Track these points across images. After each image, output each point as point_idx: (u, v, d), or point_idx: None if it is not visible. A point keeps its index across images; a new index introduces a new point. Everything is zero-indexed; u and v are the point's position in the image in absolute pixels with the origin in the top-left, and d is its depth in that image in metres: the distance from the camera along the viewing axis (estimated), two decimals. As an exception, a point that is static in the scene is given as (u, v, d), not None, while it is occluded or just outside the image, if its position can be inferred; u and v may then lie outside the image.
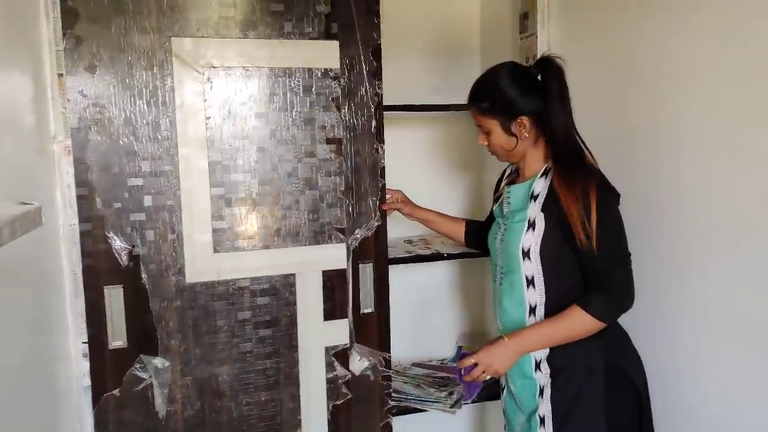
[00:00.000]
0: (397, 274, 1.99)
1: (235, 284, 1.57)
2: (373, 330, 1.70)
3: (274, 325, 1.62)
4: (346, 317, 1.67)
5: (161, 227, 1.50)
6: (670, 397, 1.41)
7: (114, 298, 1.47)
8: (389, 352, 1.71)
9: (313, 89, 1.58)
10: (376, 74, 1.62)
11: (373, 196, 1.66)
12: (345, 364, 1.69)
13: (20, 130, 1.15)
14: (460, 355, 1.37)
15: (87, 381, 1.44)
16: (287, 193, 1.59)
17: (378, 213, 1.67)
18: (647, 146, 1.47)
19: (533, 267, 1.34)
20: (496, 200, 1.58)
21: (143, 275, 1.50)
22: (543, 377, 1.36)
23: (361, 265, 1.67)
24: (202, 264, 1.53)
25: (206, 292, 1.55)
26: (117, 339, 1.49)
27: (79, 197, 1.42)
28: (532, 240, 1.33)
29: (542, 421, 1.34)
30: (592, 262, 1.29)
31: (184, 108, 1.49)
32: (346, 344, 1.68)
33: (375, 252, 1.68)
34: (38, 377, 1.20)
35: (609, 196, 1.30)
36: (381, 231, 1.67)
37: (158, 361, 1.53)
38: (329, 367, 1.67)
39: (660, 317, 1.44)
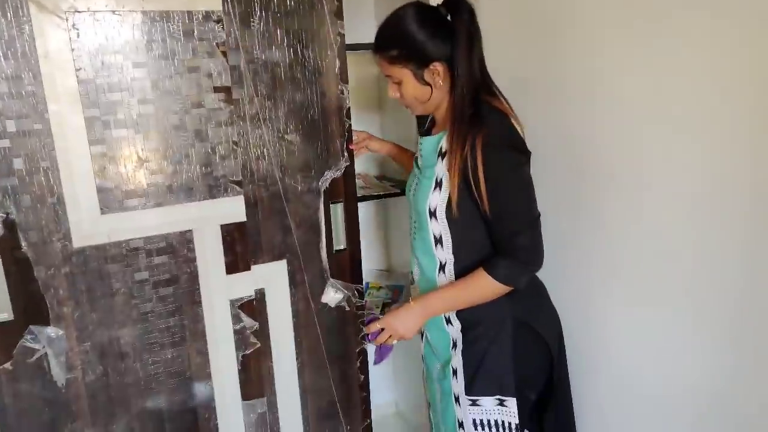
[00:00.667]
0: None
1: (128, 245, 1.51)
2: (347, 265, 1.73)
3: (174, 282, 1.58)
4: (249, 270, 1.66)
5: (38, 191, 1.39)
6: (583, 347, 1.52)
7: None
8: (362, 284, 1.76)
9: (195, 34, 1.48)
10: (338, 13, 1.55)
11: (339, 138, 1.64)
12: (252, 315, 1.70)
13: None
14: (368, 319, 1.40)
15: None
16: (176, 147, 1.52)
17: (346, 154, 1.64)
18: (558, 94, 1.51)
19: (440, 227, 1.29)
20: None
21: (23, 243, 1.40)
22: (454, 331, 1.36)
23: (332, 205, 1.67)
24: (89, 226, 1.45)
25: (97, 255, 1.47)
26: (1, 311, 1.40)
27: None
28: (439, 200, 1.28)
29: (455, 372, 1.36)
30: (494, 225, 1.24)
31: (49, 59, 1.35)
32: (251, 296, 1.68)
33: (344, 192, 1.68)
34: None
35: (506, 154, 1.21)
36: (349, 171, 1.67)
37: (51, 330, 1.46)
38: (235, 319, 1.67)
39: (572, 270, 1.53)
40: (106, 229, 1.47)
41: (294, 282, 1.71)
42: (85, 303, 1.49)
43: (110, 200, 1.47)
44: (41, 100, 1.36)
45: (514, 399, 1.31)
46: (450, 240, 1.29)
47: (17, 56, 1.32)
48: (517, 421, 1.31)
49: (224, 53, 1.52)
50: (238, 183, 1.60)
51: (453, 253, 1.30)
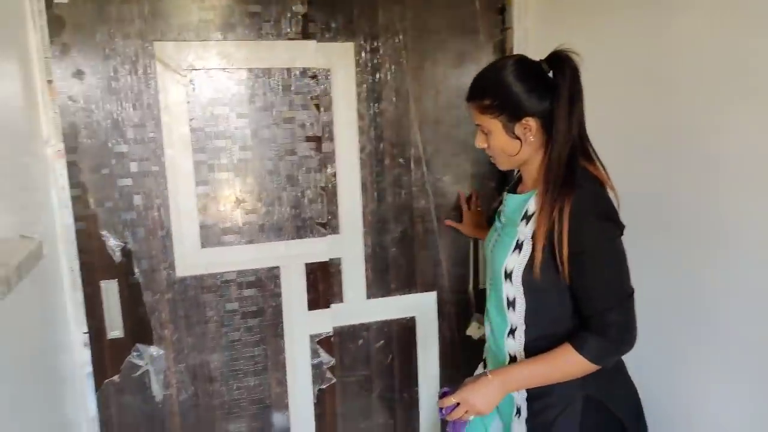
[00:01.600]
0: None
1: (222, 277, 1.66)
2: None
3: (260, 315, 1.71)
4: (328, 307, 1.75)
5: (151, 224, 1.59)
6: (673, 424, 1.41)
7: (110, 291, 1.57)
8: None
9: (291, 89, 1.63)
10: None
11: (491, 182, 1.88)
12: (329, 350, 1.77)
13: (14, 136, 1.22)
14: (442, 392, 1.27)
15: (88, 368, 1.55)
16: (270, 189, 1.66)
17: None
18: (624, 145, 1.47)
19: (514, 290, 1.22)
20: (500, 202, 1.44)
21: (136, 270, 1.59)
22: (519, 397, 1.27)
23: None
24: (190, 258, 1.62)
25: (196, 284, 1.64)
26: (114, 329, 1.60)
27: (73, 198, 1.52)
28: (516, 262, 1.20)
29: None
30: (583, 299, 1.17)
31: (169, 110, 1.56)
32: (329, 332, 1.76)
33: None
34: (45, 366, 1.29)
35: (598, 223, 1.14)
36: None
37: (153, 350, 1.63)
38: (314, 353, 1.76)
39: (664, 339, 1.44)
40: (204, 262, 1.63)
41: (441, 313, 1.89)
42: (182, 327, 1.65)
43: (210, 236, 1.63)
44: (159, 145, 1.56)
45: None
46: (524, 305, 1.22)
47: (143, 107, 1.54)
48: None
49: (317, 106, 1.65)
50: (323, 225, 1.71)
51: (525, 319, 1.23)
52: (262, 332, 1.72)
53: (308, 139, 1.66)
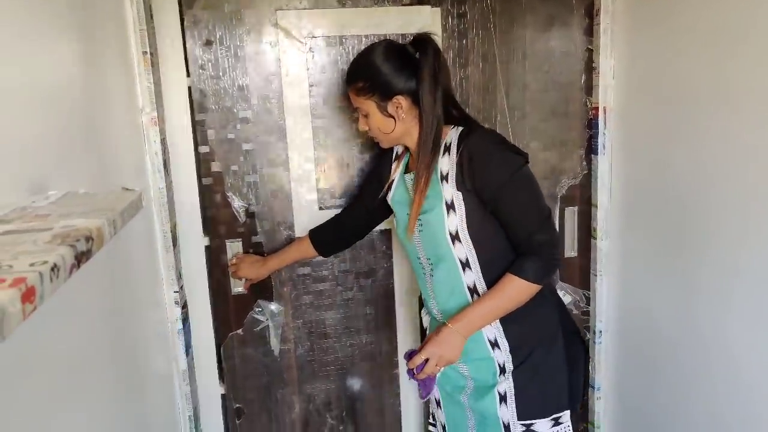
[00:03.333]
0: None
1: None
2: (576, 271, 1.88)
3: (372, 275, 1.77)
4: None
5: (272, 187, 1.67)
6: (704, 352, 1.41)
7: (234, 250, 1.68)
8: (588, 290, 1.88)
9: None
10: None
11: (579, 148, 1.82)
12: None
13: (113, 104, 1.25)
14: (408, 354, 1.31)
15: (179, 325, 1.58)
16: None
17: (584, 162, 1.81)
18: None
19: (465, 249, 1.27)
20: (385, 187, 1.48)
21: (258, 230, 1.68)
22: (502, 354, 1.31)
23: (567, 209, 1.84)
24: (308, 220, 1.70)
25: None
26: (237, 286, 1.70)
27: (202, 160, 1.61)
28: (457, 221, 1.26)
29: (503, 398, 1.31)
30: (510, 228, 1.26)
31: (290, 77, 1.62)
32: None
33: (579, 199, 1.84)
34: (143, 321, 1.36)
35: (503, 154, 1.24)
36: (585, 181, 1.82)
37: (273, 306, 1.73)
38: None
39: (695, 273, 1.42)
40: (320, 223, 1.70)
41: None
42: (300, 285, 1.74)
43: (326, 199, 1.70)
44: (281, 111, 1.63)
45: (568, 411, 1.31)
46: (476, 258, 1.28)
47: (266, 74, 1.61)
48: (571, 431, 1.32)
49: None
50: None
51: (481, 271, 1.29)
52: (374, 292, 1.78)
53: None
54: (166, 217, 1.52)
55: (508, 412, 1.31)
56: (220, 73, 1.59)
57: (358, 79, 1.31)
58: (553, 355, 1.30)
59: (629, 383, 1.84)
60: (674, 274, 1.58)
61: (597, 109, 1.77)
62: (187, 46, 1.55)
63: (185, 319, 1.63)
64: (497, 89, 1.75)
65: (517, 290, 1.24)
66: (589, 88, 1.78)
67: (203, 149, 1.61)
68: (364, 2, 1.62)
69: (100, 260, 1.01)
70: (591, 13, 1.75)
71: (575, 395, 1.34)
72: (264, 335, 1.74)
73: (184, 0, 1.53)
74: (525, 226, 1.24)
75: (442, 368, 1.31)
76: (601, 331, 1.90)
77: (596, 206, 1.82)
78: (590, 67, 1.77)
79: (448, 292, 1.34)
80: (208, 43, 1.57)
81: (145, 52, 1.43)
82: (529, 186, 1.26)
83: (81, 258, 0.49)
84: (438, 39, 1.34)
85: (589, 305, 1.89)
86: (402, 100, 1.28)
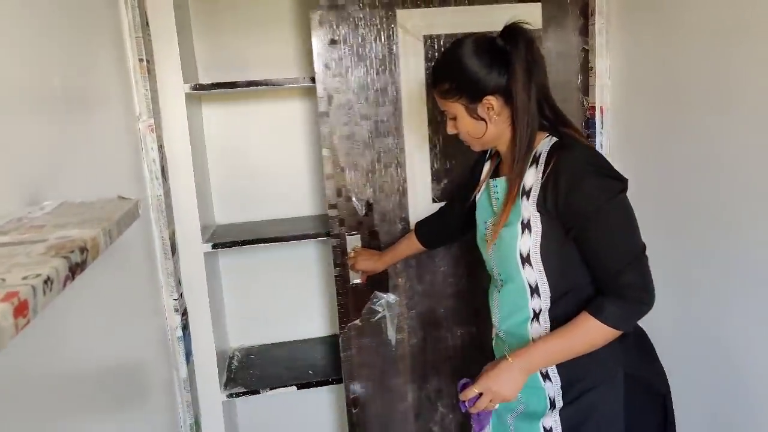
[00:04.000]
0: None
1: None
2: None
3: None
4: None
5: (390, 182, 1.70)
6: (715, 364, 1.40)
7: (354, 243, 1.71)
8: None
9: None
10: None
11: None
12: None
13: (110, 111, 1.23)
14: (462, 384, 1.20)
15: (179, 332, 1.58)
16: None
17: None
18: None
19: (535, 273, 1.15)
20: (475, 188, 1.36)
21: (376, 222, 1.71)
22: (553, 388, 1.19)
23: None
24: (423, 212, 1.71)
25: None
26: (356, 277, 1.73)
27: (326, 158, 1.65)
28: (530, 243, 1.14)
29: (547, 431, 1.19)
30: (594, 262, 1.11)
31: (408, 74, 1.65)
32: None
33: None
34: (142, 329, 1.36)
35: (598, 180, 1.08)
36: None
37: (390, 296, 1.77)
38: None
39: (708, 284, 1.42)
40: None
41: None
42: (413, 277, 1.76)
43: (440, 192, 1.73)
44: (399, 108, 1.66)
45: None
46: (547, 285, 1.15)
47: (386, 72, 1.63)
48: None
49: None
50: None
51: (551, 300, 1.16)
52: (486, 282, 1.79)
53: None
54: (165, 224, 1.51)
55: None
56: (343, 71, 1.62)
57: (444, 81, 1.18)
58: (610, 402, 1.14)
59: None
60: (673, 273, 1.57)
61: (594, 108, 1.77)
62: (313, 45, 1.59)
63: (185, 327, 1.62)
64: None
65: (592, 333, 1.09)
66: (586, 88, 1.78)
67: (325, 147, 1.65)
68: (480, 0, 1.65)
69: (98, 269, 1.01)
70: (586, 14, 1.75)
71: None
72: (379, 325, 1.77)
73: (308, 1, 1.57)
74: (612, 263, 1.08)
75: (497, 405, 1.17)
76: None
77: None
78: (586, 67, 1.77)
79: (509, 311, 1.23)
80: (333, 42, 1.60)
81: (141, 59, 1.42)
82: (622, 218, 1.10)
83: (75, 269, 0.49)
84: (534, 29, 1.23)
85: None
86: (493, 101, 1.14)
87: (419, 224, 1.61)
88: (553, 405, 1.18)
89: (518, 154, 1.14)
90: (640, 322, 1.19)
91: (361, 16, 1.59)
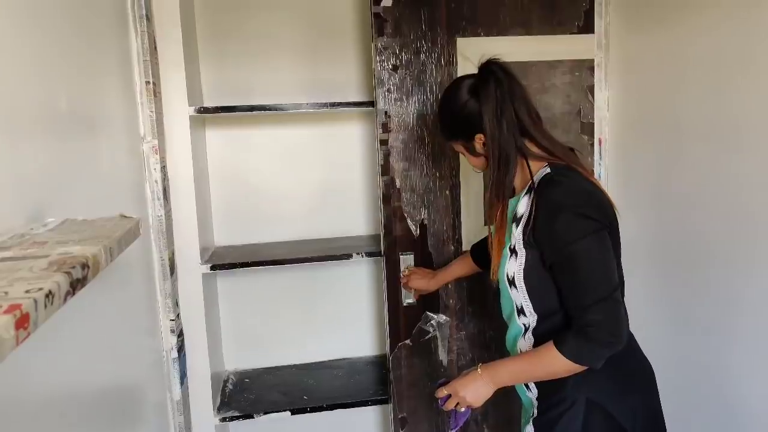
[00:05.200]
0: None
1: None
2: None
3: None
4: None
5: (444, 203, 1.74)
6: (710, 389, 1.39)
7: (407, 262, 1.74)
8: None
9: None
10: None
11: None
12: None
13: (115, 133, 1.24)
14: (439, 383, 1.31)
15: (174, 354, 1.56)
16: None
17: None
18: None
19: (520, 295, 1.22)
20: None
21: (429, 243, 1.74)
22: (532, 396, 1.28)
23: None
24: (474, 235, 1.75)
25: None
26: (408, 297, 1.75)
27: (385, 184, 1.70)
28: (515, 267, 1.20)
29: None
30: (564, 296, 1.16)
31: None
32: None
33: None
34: (138, 349, 1.35)
35: (573, 220, 1.11)
36: None
37: (441, 317, 1.78)
38: None
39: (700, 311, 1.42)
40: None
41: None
42: (464, 297, 1.79)
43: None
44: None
45: None
46: (531, 308, 1.21)
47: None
48: None
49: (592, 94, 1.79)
50: None
51: (538, 319, 1.22)
52: None
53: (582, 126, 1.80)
54: (165, 245, 1.52)
55: None
56: (404, 96, 1.67)
57: (442, 127, 1.33)
58: (566, 421, 1.19)
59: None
60: (669, 301, 1.58)
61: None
62: (375, 71, 1.65)
63: (181, 348, 1.61)
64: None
65: (553, 362, 1.14)
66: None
67: (384, 170, 1.70)
68: (537, 31, 1.71)
69: (97, 287, 1.02)
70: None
71: None
72: (429, 345, 1.77)
73: (374, 28, 1.63)
74: (578, 300, 1.12)
75: (463, 408, 1.26)
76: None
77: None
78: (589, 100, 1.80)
79: (507, 318, 1.32)
80: (395, 68, 1.65)
81: (147, 82, 1.45)
82: (591, 258, 1.12)
83: (76, 285, 0.50)
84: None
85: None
86: (483, 137, 1.22)
87: (474, 246, 1.63)
88: (532, 413, 1.27)
89: (490, 185, 1.23)
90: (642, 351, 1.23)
91: (423, 42, 1.67)
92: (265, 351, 2.06)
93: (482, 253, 1.56)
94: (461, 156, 1.64)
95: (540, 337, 1.21)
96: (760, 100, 1.25)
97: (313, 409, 1.78)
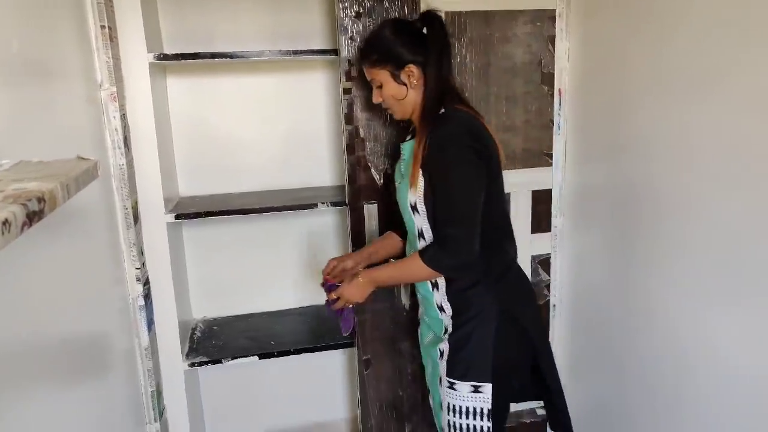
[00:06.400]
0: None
1: None
2: None
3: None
4: (550, 231, 1.96)
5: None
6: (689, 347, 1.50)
7: (371, 212, 1.76)
8: None
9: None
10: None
11: None
12: (546, 270, 1.98)
13: (70, 78, 1.22)
14: (328, 286, 1.58)
15: (141, 301, 1.59)
16: (503, 121, 1.85)
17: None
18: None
19: (421, 219, 1.39)
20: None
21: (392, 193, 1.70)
22: (446, 318, 1.44)
23: None
24: None
25: None
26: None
27: (349, 133, 1.70)
28: (418, 195, 1.37)
29: (441, 354, 1.45)
30: (436, 215, 1.34)
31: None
32: (548, 253, 1.97)
33: None
34: (104, 297, 1.37)
35: (451, 149, 1.30)
36: None
37: None
38: (534, 273, 1.98)
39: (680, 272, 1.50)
40: None
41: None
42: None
43: None
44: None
45: (490, 385, 1.37)
46: (430, 231, 1.39)
47: None
48: (490, 407, 1.37)
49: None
50: (549, 155, 1.89)
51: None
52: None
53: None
54: (127, 194, 1.51)
55: (442, 368, 1.44)
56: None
57: (373, 52, 1.43)
58: (483, 331, 1.38)
59: (583, 360, 1.93)
60: (623, 249, 1.66)
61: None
62: (338, 17, 1.62)
63: (147, 296, 1.64)
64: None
65: (414, 268, 1.36)
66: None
67: (347, 119, 1.69)
68: None
69: (58, 233, 1.02)
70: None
71: (501, 374, 1.39)
72: (391, 291, 1.80)
73: None
74: (443, 215, 1.32)
75: (350, 305, 1.54)
76: (554, 305, 1.99)
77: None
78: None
79: (410, 242, 1.51)
80: (358, 15, 1.63)
81: (103, 26, 1.40)
82: (463, 182, 1.31)
83: (33, 217, 0.51)
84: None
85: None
86: (414, 69, 1.38)
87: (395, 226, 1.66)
88: (446, 332, 1.45)
89: (425, 115, 1.37)
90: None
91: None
92: (234, 300, 2.10)
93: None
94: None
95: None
96: (710, 48, 1.29)
97: (281, 353, 1.83)
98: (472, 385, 1.38)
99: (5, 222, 0.45)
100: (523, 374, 1.47)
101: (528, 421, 2.10)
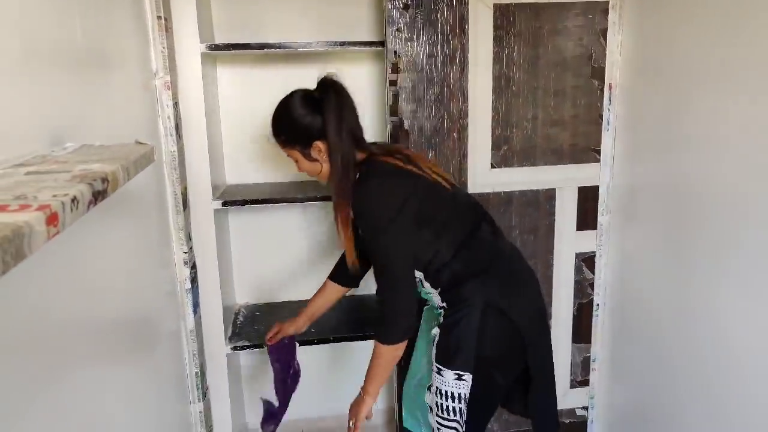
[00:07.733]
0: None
1: (506, 195, 1.84)
2: None
3: (535, 231, 1.88)
4: (596, 228, 1.93)
5: (451, 146, 1.78)
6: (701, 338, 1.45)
7: None
8: None
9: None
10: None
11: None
12: (591, 268, 1.97)
13: (129, 67, 1.26)
14: (269, 350, 1.68)
15: (188, 284, 1.64)
16: (552, 116, 1.82)
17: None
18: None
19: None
20: None
21: None
22: (443, 311, 1.46)
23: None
24: (481, 178, 1.81)
25: (483, 201, 1.76)
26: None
27: (394, 125, 1.74)
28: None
29: (433, 340, 1.46)
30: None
31: (476, 39, 1.73)
32: (593, 251, 1.95)
33: None
34: (154, 278, 1.41)
35: (371, 215, 1.33)
36: None
37: None
38: (577, 270, 1.96)
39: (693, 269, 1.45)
40: (492, 182, 1.82)
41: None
42: None
43: (498, 159, 1.81)
44: (466, 72, 1.73)
45: (471, 375, 1.38)
46: (421, 274, 1.44)
47: (456, 36, 1.70)
48: (467, 393, 1.39)
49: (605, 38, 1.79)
50: (597, 151, 1.86)
51: (424, 275, 1.45)
52: (535, 248, 1.89)
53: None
54: (177, 180, 1.56)
55: (432, 353, 1.46)
56: (414, 36, 1.68)
57: (280, 134, 1.44)
58: (469, 320, 1.40)
59: (624, 356, 1.89)
60: (673, 249, 1.61)
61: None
62: (386, 9, 1.65)
63: (194, 280, 1.69)
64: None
65: (384, 355, 1.41)
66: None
67: (392, 111, 1.71)
68: None
69: (115, 214, 1.07)
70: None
71: (488, 367, 1.40)
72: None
73: None
74: (377, 279, 1.37)
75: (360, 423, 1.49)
76: (598, 304, 1.95)
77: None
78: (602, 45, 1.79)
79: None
80: (405, 7, 1.65)
81: (159, 17, 1.45)
82: (381, 253, 1.35)
83: (98, 196, 0.54)
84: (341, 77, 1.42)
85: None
86: (321, 145, 1.38)
87: (332, 274, 1.70)
88: (440, 321, 1.46)
89: (334, 185, 1.38)
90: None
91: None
92: (276, 287, 2.14)
93: (343, 270, 1.63)
94: (471, 92, 1.72)
95: (436, 282, 1.43)
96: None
97: (321, 341, 1.87)
98: (456, 373, 1.40)
99: (74, 199, 0.47)
100: (508, 370, 1.46)
101: (567, 421, 2.07)
